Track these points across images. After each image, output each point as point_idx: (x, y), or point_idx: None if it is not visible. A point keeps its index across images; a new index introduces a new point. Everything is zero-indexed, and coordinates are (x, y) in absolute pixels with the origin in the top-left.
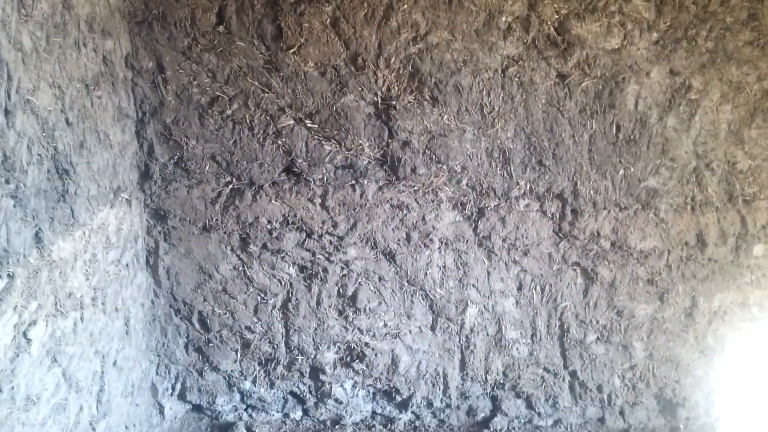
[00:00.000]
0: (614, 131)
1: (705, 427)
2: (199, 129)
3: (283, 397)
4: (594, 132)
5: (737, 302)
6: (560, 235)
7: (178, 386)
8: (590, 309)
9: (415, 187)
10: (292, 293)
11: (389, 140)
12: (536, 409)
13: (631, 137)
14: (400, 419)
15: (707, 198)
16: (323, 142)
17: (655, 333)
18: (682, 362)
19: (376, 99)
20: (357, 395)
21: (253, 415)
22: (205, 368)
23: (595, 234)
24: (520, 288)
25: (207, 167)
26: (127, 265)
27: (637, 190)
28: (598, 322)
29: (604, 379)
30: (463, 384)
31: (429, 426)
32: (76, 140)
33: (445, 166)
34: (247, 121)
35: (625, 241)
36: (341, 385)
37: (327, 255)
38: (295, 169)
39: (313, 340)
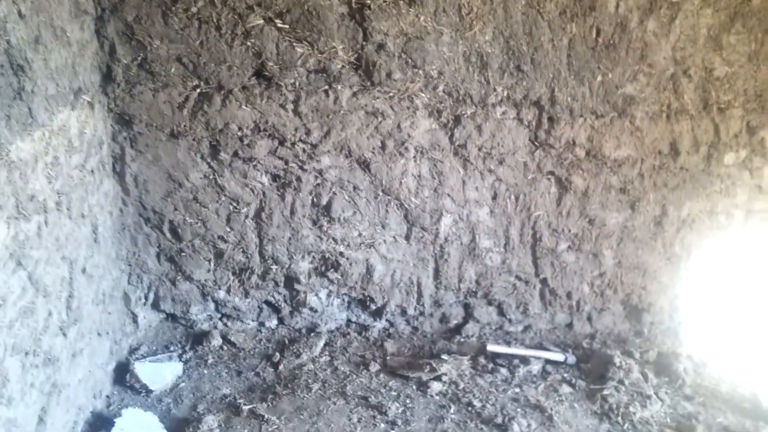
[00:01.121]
0: (594, 35)
1: (668, 331)
2: (163, 28)
3: (258, 306)
4: (574, 36)
5: (705, 210)
6: (536, 143)
7: (151, 296)
8: (563, 218)
9: (391, 93)
10: (265, 202)
11: (364, 43)
12: (507, 316)
13: (611, 42)
14: (374, 327)
15: (683, 106)
16: (295, 44)
17: (625, 241)
18: (649, 269)
19: None
20: (332, 304)
21: (228, 323)
22: (178, 278)
23: (571, 142)
24: (494, 197)
25: (173, 69)
26: (92, 171)
27: (614, 97)
28: (570, 230)
29: (573, 287)
30: (436, 292)
31: (403, 333)
32: (31, 34)
33: (421, 71)
34: (214, 20)
35: (599, 149)
36: (316, 294)
37: (300, 163)
38: (266, 73)
39: (288, 249)
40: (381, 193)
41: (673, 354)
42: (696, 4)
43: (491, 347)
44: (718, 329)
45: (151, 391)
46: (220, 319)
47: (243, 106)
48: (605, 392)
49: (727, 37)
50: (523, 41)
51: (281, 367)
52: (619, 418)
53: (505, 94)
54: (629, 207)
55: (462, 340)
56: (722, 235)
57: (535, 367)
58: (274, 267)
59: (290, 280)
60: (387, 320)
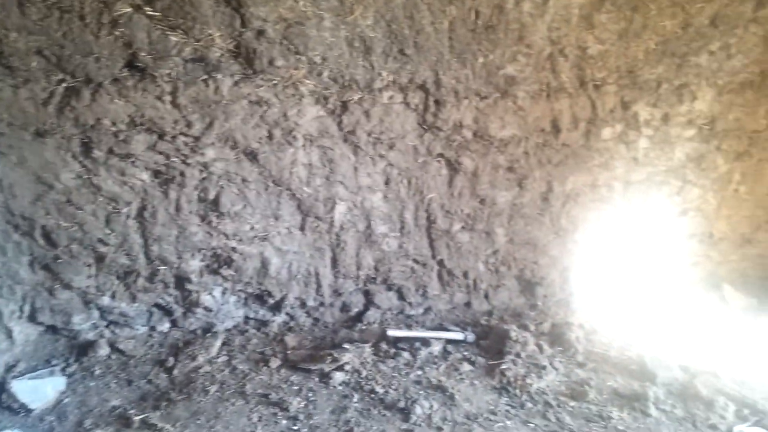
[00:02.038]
0: (473, 17)
1: (560, 302)
2: (20, 19)
3: (148, 310)
4: (454, 18)
5: (588, 184)
6: (424, 126)
7: (27, 308)
8: (455, 199)
9: (274, 81)
10: (147, 200)
11: (242, 30)
12: (407, 300)
13: (490, 23)
14: (274, 321)
15: (561, 84)
16: (168, 33)
17: (515, 218)
18: (539, 244)
19: None
20: (228, 301)
21: (116, 331)
22: (56, 286)
23: (458, 124)
24: (387, 182)
25: (34, 63)
26: None
27: (496, 78)
28: (462, 211)
29: (469, 266)
30: (335, 281)
31: (304, 325)
32: None
33: (304, 58)
34: (77, 9)
35: (486, 130)
36: (210, 293)
37: (183, 157)
38: (139, 64)
39: (176, 248)
40: (271, 184)
41: (566, 324)
42: None
43: (392, 332)
44: (606, 297)
45: (32, 410)
46: (107, 326)
47: (115, 100)
48: (503, 366)
49: (598, 16)
50: (404, 25)
51: (175, 371)
52: (517, 391)
53: (391, 78)
54: (517, 185)
55: (364, 327)
56: (604, 206)
57: (436, 348)
58: (162, 268)
59: (181, 280)
60: (287, 314)
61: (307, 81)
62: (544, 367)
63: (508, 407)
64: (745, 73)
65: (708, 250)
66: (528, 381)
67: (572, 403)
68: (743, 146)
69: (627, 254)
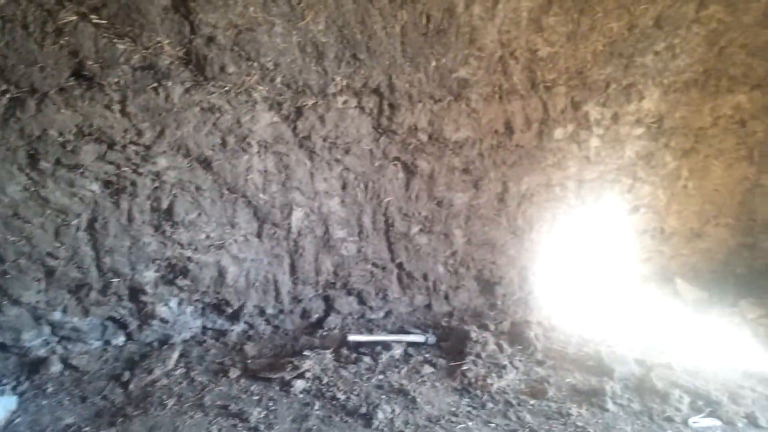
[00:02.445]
0: (424, 21)
1: (519, 301)
2: None
3: (102, 324)
4: (405, 23)
5: (542, 184)
6: (379, 130)
7: None
8: (412, 202)
9: (226, 88)
10: (98, 211)
11: (192, 36)
12: (368, 304)
13: (441, 27)
14: (232, 330)
15: (513, 86)
16: (115, 41)
17: (472, 219)
18: (497, 244)
19: None
20: (184, 312)
21: (69, 346)
22: (4, 302)
23: (413, 127)
24: (344, 187)
25: None
26: None
27: (449, 81)
28: (420, 213)
29: (428, 268)
30: (294, 288)
31: (263, 333)
32: None
33: (256, 64)
34: (19, 18)
35: (441, 132)
36: (166, 304)
37: (134, 167)
38: (86, 73)
39: (129, 259)
40: (226, 192)
41: (525, 322)
42: None
43: (352, 337)
44: (564, 294)
45: None
46: (59, 342)
47: (62, 110)
48: (464, 367)
49: (546, 18)
50: (356, 30)
51: (132, 386)
52: (478, 391)
53: (345, 83)
54: (473, 186)
55: (325, 333)
56: (558, 205)
57: (398, 352)
58: (115, 280)
59: (135, 292)
60: (245, 322)
61: (260, 87)
62: (504, 367)
63: (469, 408)
64: (690, 72)
65: (660, 245)
66: (489, 381)
67: (532, 402)
68: (690, 143)
69: (582, 251)
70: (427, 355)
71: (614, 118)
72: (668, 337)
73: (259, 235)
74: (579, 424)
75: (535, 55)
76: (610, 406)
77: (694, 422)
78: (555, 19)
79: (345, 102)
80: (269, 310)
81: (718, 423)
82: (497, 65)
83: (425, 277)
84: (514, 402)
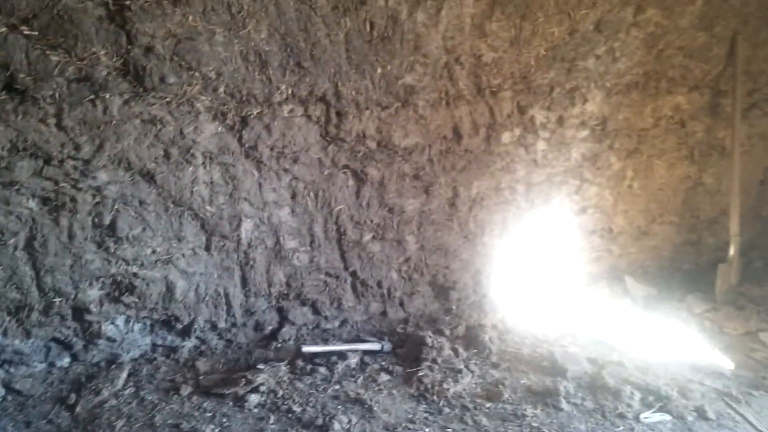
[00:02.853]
0: (368, 29)
1: (474, 305)
2: None
3: (45, 346)
4: (349, 30)
5: (492, 188)
6: (327, 138)
7: None
8: (363, 209)
9: (167, 99)
10: (36, 229)
11: (129, 47)
12: (322, 314)
13: (385, 34)
14: (183, 347)
15: (459, 92)
16: (48, 53)
17: (425, 225)
18: (449, 249)
19: None
20: (132, 330)
21: (11, 370)
22: None
23: (361, 135)
24: (293, 196)
25: None
26: None
27: (395, 88)
28: (372, 221)
29: (382, 275)
30: (246, 300)
31: (216, 348)
32: None
33: (197, 73)
34: None
35: (389, 139)
36: (112, 322)
37: (73, 182)
38: (18, 86)
39: (71, 278)
40: (171, 205)
41: (480, 326)
42: None
43: (306, 348)
44: (517, 295)
45: None
46: (0, 366)
47: None
48: (420, 373)
49: (489, 24)
50: (300, 38)
51: (78, 408)
52: (435, 397)
53: (290, 91)
54: (424, 192)
55: (279, 345)
56: (508, 208)
57: (353, 361)
58: (57, 300)
59: (79, 312)
60: (197, 338)
61: (203, 97)
62: (460, 371)
63: (426, 414)
64: (630, 75)
65: (608, 244)
66: (445, 386)
67: (488, 405)
68: (633, 144)
69: (534, 253)
70: (383, 363)
71: (559, 122)
72: (619, 334)
73: (207, 248)
74: (534, 424)
75: (480, 60)
76: (564, 405)
77: (646, 417)
78: (498, 25)
79: (291, 111)
80: (221, 324)
81: (668, 417)
82: (443, 71)
83: (379, 284)
84: (470, 406)
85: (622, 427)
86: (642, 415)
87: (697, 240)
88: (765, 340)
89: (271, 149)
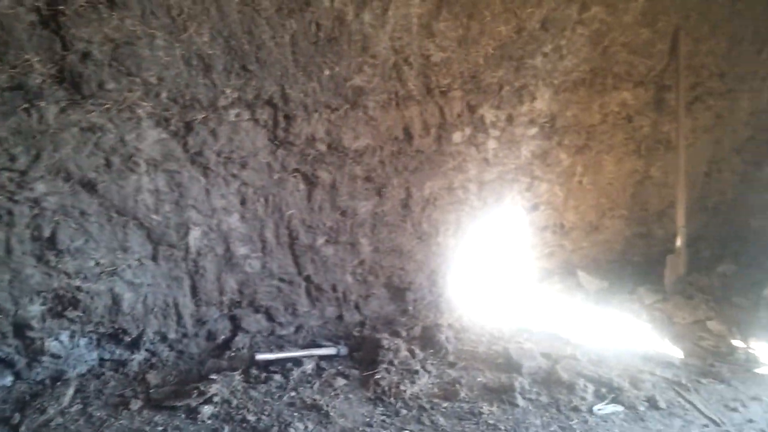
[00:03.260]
0: (314, 30)
1: (430, 305)
2: None
3: None
4: (295, 32)
5: (444, 187)
6: (276, 142)
7: None
8: (316, 213)
9: (107, 105)
10: None
11: (64, 53)
12: (277, 320)
13: (332, 35)
14: (133, 360)
15: (408, 92)
16: None
17: (378, 227)
18: (404, 250)
19: (38, 4)
20: (78, 345)
21: None
22: None
23: (311, 138)
24: (243, 202)
25: None
26: None
27: (344, 90)
28: (325, 224)
29: (337, 279)
30: (197, 310)
31: (167, 360)
32: None
33: (138, 79)
34: None
35: (339, 142)
36: (56, 338)
37: (9, 195)
38: None
39: (10, 294)
40: (115, 215)
41: (436, 326)
42: None
43: (261, 356)
44: (473, 294)
45: None
46: None
47: None
48: (377, 376)
49: (437, 24)
50: (244, 40)
51: (23, 428)
52: (392, 399)
53: (236, 95)
54: (376, 194)
55: (233, 354)
56: (461, 207)
57: (309, 367)
58: None
59: (20, 328)
60: (147, 350)
61: (144, 103)
62: (416, 372)
63: (383, 417)
64: (577, 72)
65: (561, 240)
66: (402, 388)
67: (445, 404)
68: (582, 140)
69: (488, 251)
70: (339, 367)
71: (509, 120)
72: (573, 328)
73: (154, 258)
74: (490, 422)
75: (429, 60)
76: (519, 401)
77: (599, 409)
78: (445, 25)
79: (237, 115)
80: (172, 335)
81: (620, 408)
82: (392, 72)
83: (334, 288)
84: (427, 406)
85: (576, 420)
86: (595, 408)
87: (646, 233)
88: (712, 329)
89: (218, 155)
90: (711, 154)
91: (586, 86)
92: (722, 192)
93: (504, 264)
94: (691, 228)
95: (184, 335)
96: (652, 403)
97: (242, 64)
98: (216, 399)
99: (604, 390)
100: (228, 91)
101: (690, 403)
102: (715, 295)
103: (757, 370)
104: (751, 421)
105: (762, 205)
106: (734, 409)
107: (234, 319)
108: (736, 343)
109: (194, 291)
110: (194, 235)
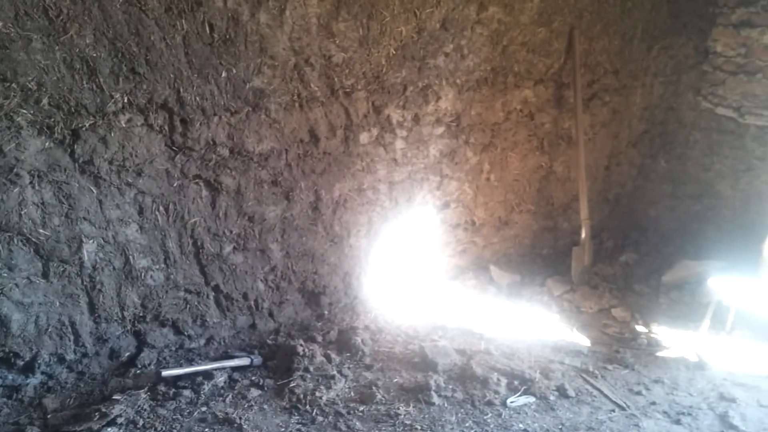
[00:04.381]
0: (208, 31)
1: (345, 307)
2: None
3: None
4: (187, 33)
5: (354, 189)
6: (174, 148)
7: None
8: (221, 220)
9: None
10: None
11: None
12: (185, 333)
13: (227, 36)
14: (27, 384)
15: (312, 93)
16: None
17: (288, 231)
18: (316, 254)
19: None
20: None
21: None
22: None
23: (211, 142)
24: (141, 212)
25: None
26: None
27: (244, 92)
28: (231, 231)
29: (248, 286)
30: (97, 328)
31: (66, 383)
32: None
33: (15, 85)
34: None
35: (242, 145)
36: None
37: None
38: None
39: None
40: None
41: (352, 329)
42: None
43: (167, 372)
44: (388, 294)
45: None
46: None
47: None
48: (292, 384)
49: (337, 24)
50: (131, 42)
51: None
52: (308, 407)
53: (126, 100)
54: (284, 198)
55: (138, 371)
56: (372, 208)
57: (221, 379)
58: None
59: None
60: (43, 373)
61: (23, 110)
62: (332, 377)
63: (299, 426)
64: (479, 71)
65: (472, 237)
66: (317, 394)
67: (362, 408)
68: (488, 138)
69: (401, 251)
70: (253, 378)
71: (415, 120)
72: (486, 323)
73: (45, 275)
74: (407, 422)
75: (330, 61)
76: (435, 399)
77: (512, 402)
78: (345, 25)
79: (129, 120)
80: (70, 356)
81: (532, 399)
82: (293, 73)
83: (245, 296)
84: (343, 411)
85: (490, 415)
86: (508, 400)
87: (553, 226)
88: (617, 316)
89: (110, 163)
90: (610, 148)
91: (489, 85)
92: (622, 184)
93: (418, 263)
94: (595, 220)
95: (84, 355)
96: (562, 392)
97: (131, 67)
98: (120, 420)
99: (516, 382)
100: (117, 95)
101: (597, 389)
102: (618, 284)
103: (658, 354)
104: (653, 403)
105: (659, 195)
106: (638, 393)
107: (138, 335)
108: (639, 328)
109: (92, 308)
110: (88, 249)
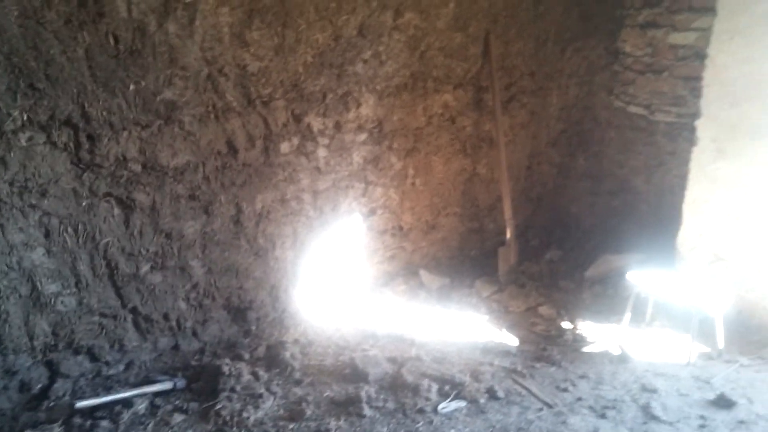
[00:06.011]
0: (113, 43)
1: (274, 322)
2: None
3: None
4: (89, 45)
5: (277, 200)
6: (81, 166)
7: None
8: (136, 239)
9: None
10: None
11: None
12: (102, 359)
13: (134, 48)
14: None
15: (228, 104)
16: None
17: (209, 247)
18: (240, 268)
19: None
20: None
21: None
22: None
23: (121, 158)
24: (47, 235)
25: None
26: None
27: (154, 105)
28: (148, 250)
29: (168, 306)
30: (4, 359)
31: None
32: None
33: None
34: None
35: (156, 160)
36: None
37: None
38: None
39: None
40: None
41: (280, 343)
42: (211, 3)
43: (81, 403)
44: (317, 305)
45: None
46: None
47: None
48: (218, 406)
49: (250, 33)
50: (29, 56)
51: None
52: (234, 429)
53: (25, 117)
54: (204, 212)
55: (51, 404)
56: (296, 218)
57: (142, 407)
58: None
59: None
60: None
61: None
62: (261, 396)
63: None
64: (398, 77)
65: (401, 242)
66: (245, 415)
67: (291, 426)
68: (411, 143)
69: (329, 260)
70: (177, 402)
71: (337, 127)
72: (417, 328)
73: None
74: None
75: (245, 70)
76: (366, 411)
77: (443, 408)
78: (259, 33)
79: (30, 138)
80: None
81: (463, 403)
82: (206, 83)
83: (166, 317)
84: (272, 431)
85: (422, 422)
86: (439, 407)
87: (479, 227)
88: (543, 313)
89: (11, 184)
90: (530, 149)
91: (409, 90)
92: (543, 183)
93: (347, 271)
94: (519, 219)
95: None
96: (492, 394)
97: (29, 82)
98: None
99: (447, 387)
100: (15, 113)
101: (525, 388)
102: (544, 281)
103: (583, 349)
104: (580, 399)
105: (579, 193)
106: (565, 390)
107: (51, 365)
108: (565, 325)
109: None
110: None
